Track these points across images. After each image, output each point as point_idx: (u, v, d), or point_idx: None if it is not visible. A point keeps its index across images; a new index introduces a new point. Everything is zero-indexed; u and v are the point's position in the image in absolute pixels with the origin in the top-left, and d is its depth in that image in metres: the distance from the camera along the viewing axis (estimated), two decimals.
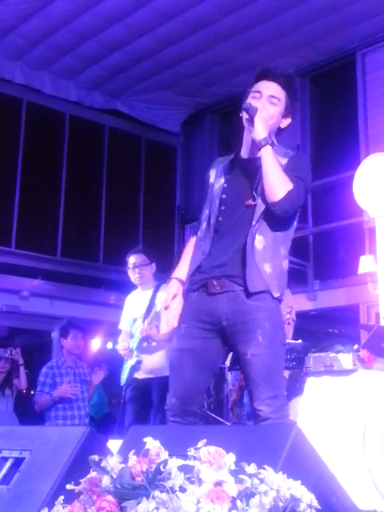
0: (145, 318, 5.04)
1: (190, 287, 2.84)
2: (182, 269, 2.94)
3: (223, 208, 2.82)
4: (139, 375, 5.02)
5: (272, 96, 2.79)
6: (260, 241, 2.71)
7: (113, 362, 9.01)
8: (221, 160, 3.02)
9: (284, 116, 2.85)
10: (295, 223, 2.89)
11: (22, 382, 6.49)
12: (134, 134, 10.33)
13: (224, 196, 2.84)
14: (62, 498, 1.68)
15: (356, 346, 4.42)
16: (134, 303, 5.29)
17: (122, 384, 5.13)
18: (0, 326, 9.28)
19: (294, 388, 4.77)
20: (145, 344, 5.00)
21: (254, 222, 2.72)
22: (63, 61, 8.82)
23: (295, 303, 5.58)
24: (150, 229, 10.03)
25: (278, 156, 2.77)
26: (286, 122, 2.88)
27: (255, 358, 2.67)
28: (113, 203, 9.97)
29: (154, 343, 4.98)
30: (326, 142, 9.12)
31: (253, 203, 2.74)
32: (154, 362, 5.00)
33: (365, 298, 7.76)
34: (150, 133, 10.34)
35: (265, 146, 2.68)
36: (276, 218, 2.73)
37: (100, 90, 9.59)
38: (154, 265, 5.30)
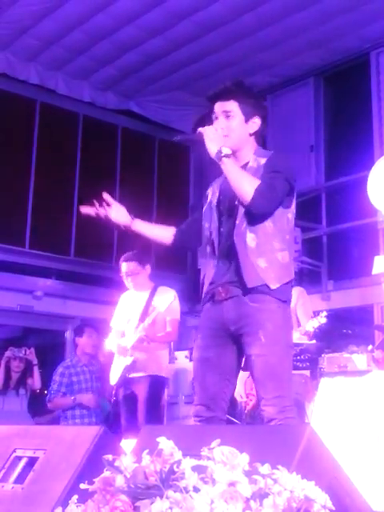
0: (141, 320, 5.04)
1: (203, 299, 2.96)
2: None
3: (222, 219, 2.95)
4: (131, 374, 5.04)
5: (225, 111, 2.96)
6: (252, 238, 2.81)
7: None
8: (216, 180, 3.14)
9: (247, 120, 2.97)
10: (291, 215, 2.94)
11: (35, 381, 6.51)
12: (148, 135, 10.33)
13: (221, 207, 2.98)
14: (75, 497, 1.69)
15: (370, 347, 4.41)
16: (129, 303, 5.28)
17: (112, 383, 5.13)
18: (14, 326, 9.31)
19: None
20: (145, 343, 5.00)
21: (237, 221, 2.84)
22: (77, 61, 8.84)
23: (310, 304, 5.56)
24: None
25: (258, 158, 2.92)
26: (255, 124, 2.99)
27: (259, 358, 2.74)
28: (126, 204, 9.91)
29: (152, 344, 5.00)
30: (340, 142, 9.09)
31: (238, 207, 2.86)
32: (148, 361, 5.02)
33: (379, 299, 7.72)
34: (163, 133, 10.33)
35: (221, 159, 2.81)
36: (257, 216, 2.82)
37: (113, 91, 9.61)
38: (148, 267, 5.24)
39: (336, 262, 8.70)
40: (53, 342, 9.45)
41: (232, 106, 2.96)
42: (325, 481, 1.68)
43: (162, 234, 3.24)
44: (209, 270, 2.94)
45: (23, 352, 6.49)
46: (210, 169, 3.15)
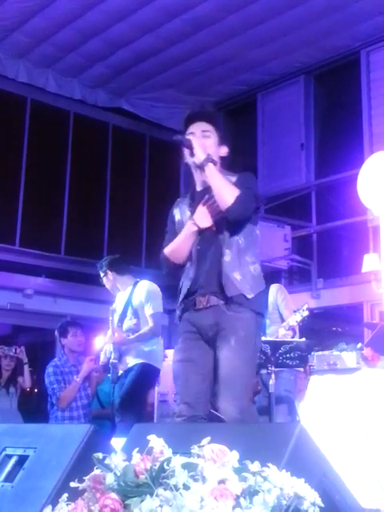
0: (120, 321, 5.14)
1: (182, 311, 3.15)
2: None
3: (200, 237, 3.14)
4: (122, 370, 5.13)
5: (204, 131, 3.19)
6: (228, 254, 3.05)
7: None
8: (180, 200, 3.37)
9: (219, 145, 3.21)
10: (257, 231, 3.21)
11: (26, 380, 6.50)
12: (138, 132, 10.33)
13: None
14: (65, 495, 1.68)
15: (360, 345, 4.42)
16: (118, 302, 5.42)
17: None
18: (4, 324, 9.29)
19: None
20: (123, 347, 5.12)
21: (221, 243, 3.07)
22: (67, 59, 8.83)
23: (298, 302, 5.57)
24: (153, 227, 10.02)
25: (228, 176, 3.12)
26: (223, 150, 3.22)
27: (225, 360, 2.96)
28: (117, 201, 9.98)
29: (123, 347, 5.10)
30: (330, 141, 9.11)
31: (213, 228, 3.09)
32: (136, 353, 5.09)
33: (369, 297, 7.75)
34: (154, 131, 10.33)
35: (207, 164, 3.04)
36: (232, 226, 3.05)
37: (104, 88, 9.59)
38: (109, 273, 5.45)
39: (326, 260, 8.72)
40: (43, 340, 9.43)
41: (209, 127, 3.19)
42: (315, 478, 1.69)
43: None
44: (186, 281, 3.14)
45: (14, 350, 6.47)
46: None
